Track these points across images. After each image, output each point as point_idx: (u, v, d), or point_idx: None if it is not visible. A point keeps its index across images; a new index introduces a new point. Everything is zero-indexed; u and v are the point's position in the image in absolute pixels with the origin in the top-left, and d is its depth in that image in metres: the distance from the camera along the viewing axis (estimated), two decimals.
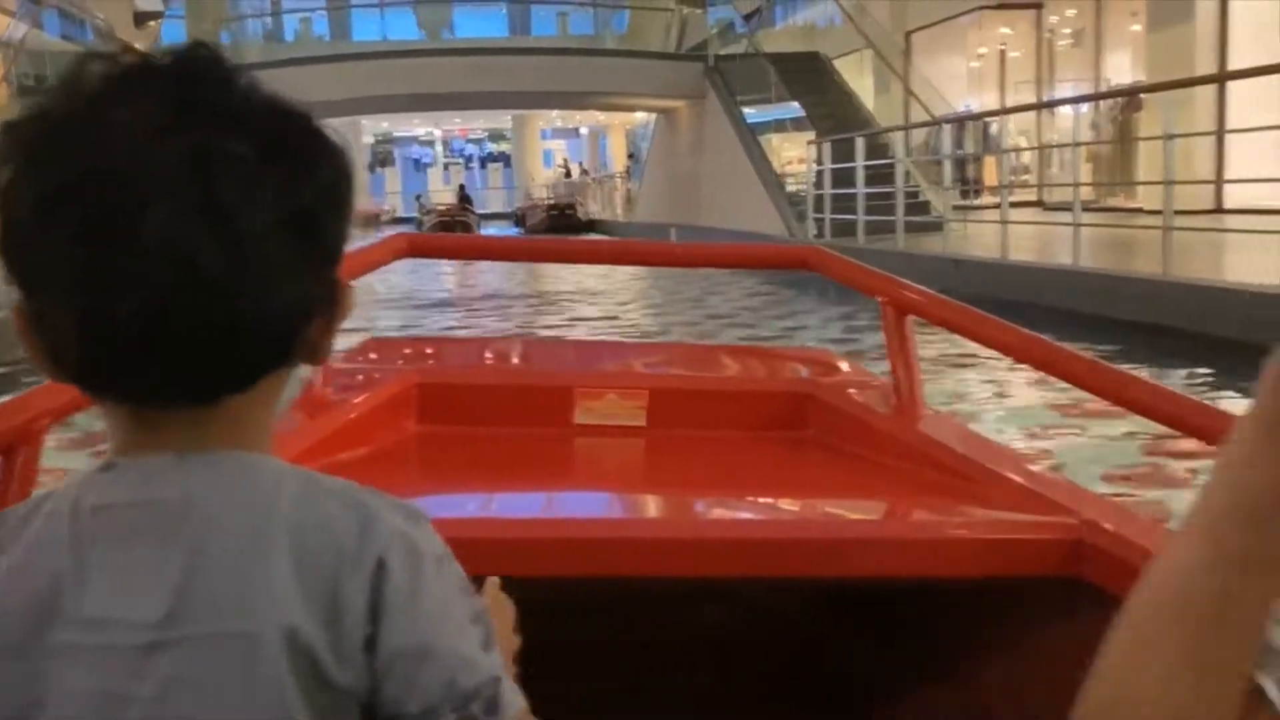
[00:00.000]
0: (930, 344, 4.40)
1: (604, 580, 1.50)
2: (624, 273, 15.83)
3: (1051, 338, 1.79)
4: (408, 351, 2.64)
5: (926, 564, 1.48)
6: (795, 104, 20.38)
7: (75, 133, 0.71)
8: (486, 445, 1.98)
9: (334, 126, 0.79)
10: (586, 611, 1.83)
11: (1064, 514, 1.45)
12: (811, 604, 2.07)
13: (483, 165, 50.42)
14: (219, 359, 0.73)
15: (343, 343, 2.43)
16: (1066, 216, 10.07)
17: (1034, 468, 1.83)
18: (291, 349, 0.76)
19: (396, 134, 48.45)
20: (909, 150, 16.07)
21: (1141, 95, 14.64)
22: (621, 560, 1.45)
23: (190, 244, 0.69)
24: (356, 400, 1.98)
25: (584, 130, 47.57)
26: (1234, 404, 4.24)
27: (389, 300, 13.66)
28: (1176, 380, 6.66)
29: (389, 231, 2.92)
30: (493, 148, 50.14)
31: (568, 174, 40.69)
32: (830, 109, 19.64)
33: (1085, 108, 18.00)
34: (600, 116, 40.66)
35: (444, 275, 17.95)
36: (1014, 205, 11.28)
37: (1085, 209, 10.54)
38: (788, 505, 1.90)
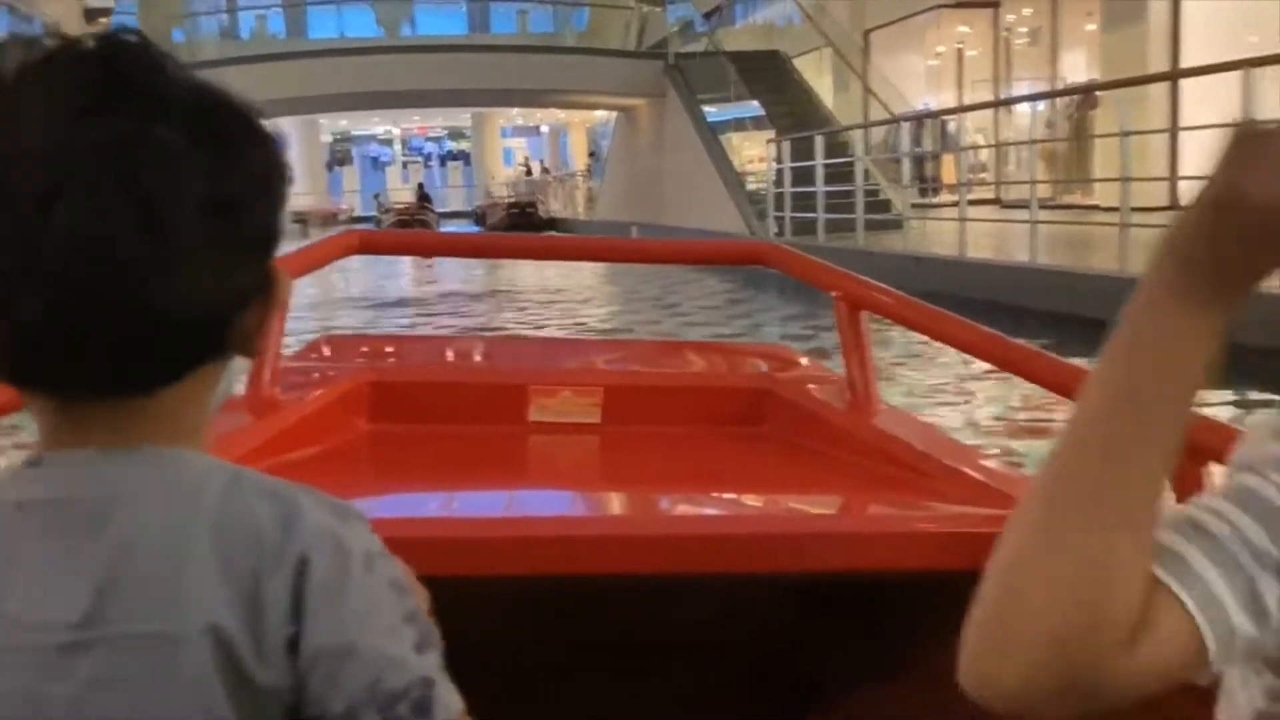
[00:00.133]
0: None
1: (564, 579, 1.49)
2: (587, 273, 15.82)
3: (1009, 333, 1.80)
4: (360, 349, 2.61)
5: (885, 558, 1.48)
6: (755, 103, 20.45)
7: None
8: (440, 444, 1.96)
9: (252, 105, 0.77)
10: (548, 611, 1.81)
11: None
12: (776, 600, 2.06)
13: (442, 163, 50.18)
14: (141, 350, 0.71)
15: (294, 341, 2.41)
16: (1024, 214, 10.16)
17: (988, 462, 1.83)
18: (223, 341, 0.75)
19: (355, 132, 48.17)
20: (868, 149, 16.15)
21: (1097, 94, 14.79)
22: (577, 558, 1.44)
23: (107, 231, 0.68)
24: (307, 399, 1.95)
25: (545, 128, 47.49)
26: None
27: (349, 300, 13.59)
28: None
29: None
30: (452, 146, 49.92)
31: (528, 172, 40.58)
32: (790, 107, 19.71)
33: (1042, 106, 18.18)
34: (561, 114, 40.61)
35: (404, 275, 17.87)
36: (972, 203, 11.37)
37: (1042, 206, 10.63)
38: (745, 501, 1.89)
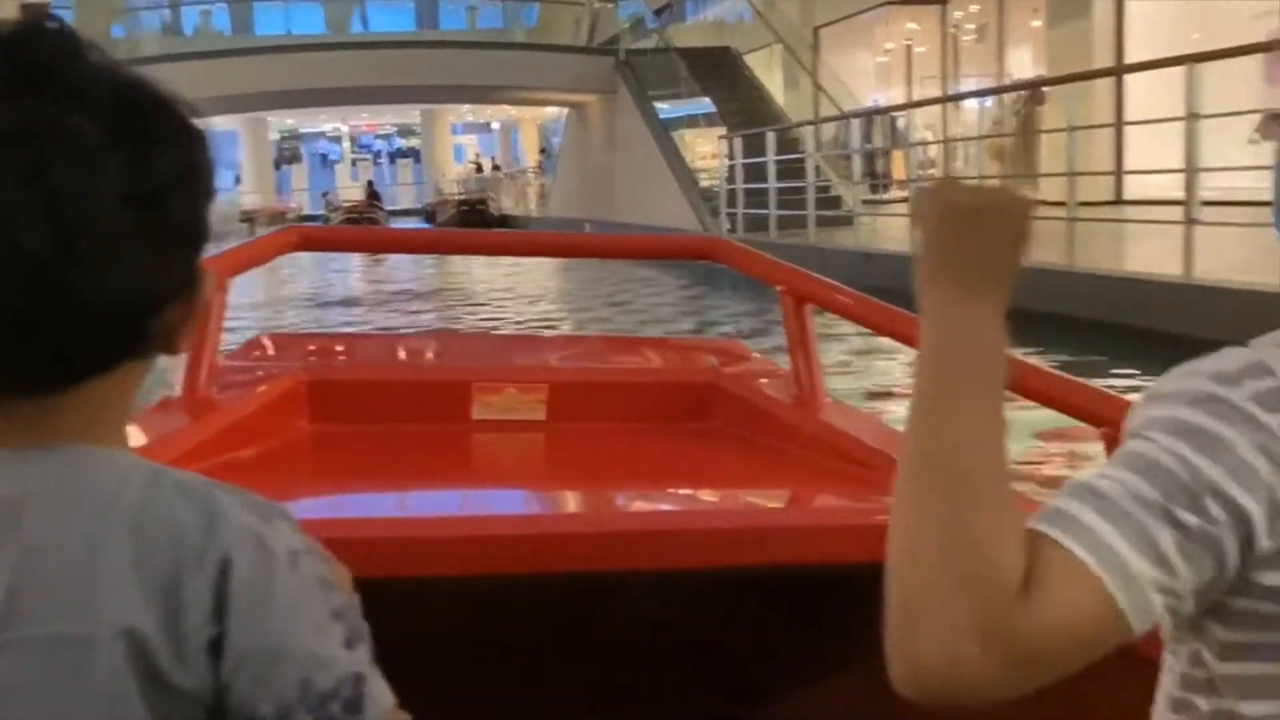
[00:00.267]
0: None
1: (508, 578, 1.48)
2: (540, 272, 15.77)
3: None
4: (300, 348, 2.57)
5: (832, 551, 1.48)
6: (707, 99, 20.47)
7: None
8: (381, 443, 1.94)
9: (179, 98, 0.75)
10: (493, 610, 1.79)
11: None
12: (723, 595, 2.06)
13: (392, 161, 49.85)
14: (54, 348, 0.69)
15: (231, 340, 2.36)
16: None
17: None
18: (144, 338, 0.73)
19: (303, 130, 47.74)
20: (819, 145, 16.23)
21: (1043, 90, 14.96)
22: (521, 557, 1.43)
23: (12, 223, 0.66)
24: (245, 398, 1.92)
25: (496, 125, 47.31)
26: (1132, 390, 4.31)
27: (295, 299, 13.46)
28: (1084, 371, 6.79)
29: None
30: (402, 143, 49.59)
31: (479, 169, 40.39)
32: (741, 104, 19.76)
33: (990, 102, 18.36)
34: (512, 111, 40.47)
35: (353, 274, 17.74)
36: None
37: None
38: (692, 496, 1.89)
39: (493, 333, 9.72)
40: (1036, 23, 16.94)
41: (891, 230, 12.47)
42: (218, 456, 1.67)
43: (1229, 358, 0.72)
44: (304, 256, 17.31)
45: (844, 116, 17.54)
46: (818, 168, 14.59)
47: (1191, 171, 7.36)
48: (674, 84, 21.20)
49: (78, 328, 0.69)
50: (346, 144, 49.92)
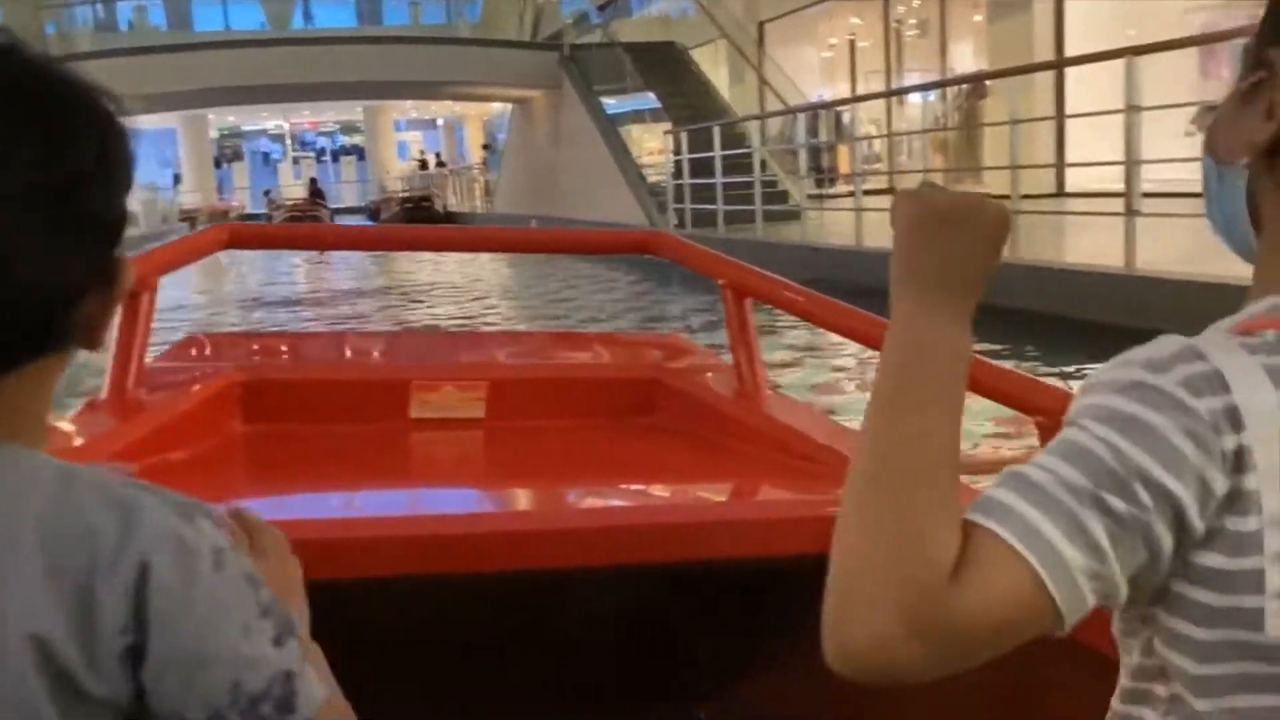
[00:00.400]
0: None
1: (447, 577, 1.45)
2: (487, 269, 15.69)
3: None
4: (233, 348, 2.52)
5: (775, 544, 1.48)
6: (652, 94, 20.45)
7: None
8: (317, 443, 1.91)
9: (97, 87, 0.73)
10: (430, 609, 1.76)
11: None
12: (674, 590, 2.05)
13: (335, 158, 49.34)
14: None
15: (162, 340, 2.31)
16: None
17: None
18: (59, 332, 0.71)
19: (244, 128, 47.15)
20: (765, 140, 16.27)
21: (986, 84, 15.11)
22: (459, 557, 1.41)
23: None
24: (175, 399, 1.88)
25: (440, 121, 47.02)
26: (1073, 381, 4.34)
27: (235, 300, 13.28)
28: (1028, 364, 6.86)
29: None
30: (345, 140, 49.10)
31: (423, 166, 40.10)
32: (687, 99, 19.77)
33: (933, 97, 18.51)
34: (456, 107, 40.24)
35: (297, 272, 17.54)
36: (867, 193, 11.47)
37: None
38: (635, 491, 1.87)
39: (428, 331, 9.64)
40: (978, 17, 17.10)
41: (838, 225, 12.53)
42: (147, 459, 1.63)
43: (1163, 345, 0.73)
44: (252, 258, 16.98)
45: (789, 111, 17.59)
46: (764, 162, 14.62)
47: (1131, 164, 7.46)
48: (619, 79, 21.16)
49: None
50: (289, 141, 49.35)
